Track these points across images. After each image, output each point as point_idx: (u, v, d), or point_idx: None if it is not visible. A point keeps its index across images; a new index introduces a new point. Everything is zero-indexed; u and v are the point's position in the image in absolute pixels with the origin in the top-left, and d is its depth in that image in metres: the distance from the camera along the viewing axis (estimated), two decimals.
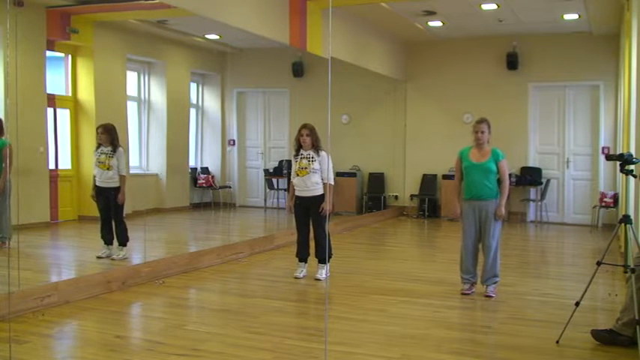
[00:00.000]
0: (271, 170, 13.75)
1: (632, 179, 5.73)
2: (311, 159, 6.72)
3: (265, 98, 14.47)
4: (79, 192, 10.52)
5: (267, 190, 13.84)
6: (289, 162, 8.30)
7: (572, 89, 12.18)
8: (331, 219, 8.91)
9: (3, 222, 7.44)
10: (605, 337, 4.63)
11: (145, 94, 12.71)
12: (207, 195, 14.02)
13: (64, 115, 10.66)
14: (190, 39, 12.68)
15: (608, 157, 4.87)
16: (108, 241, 7.60)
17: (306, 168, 6.71)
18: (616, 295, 6.09)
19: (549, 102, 12.33)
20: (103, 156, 7.43)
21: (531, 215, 12.38)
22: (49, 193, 9.82)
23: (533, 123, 12.39)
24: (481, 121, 6.20)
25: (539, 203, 12.09)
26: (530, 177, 12.06)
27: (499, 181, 6.14)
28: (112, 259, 7.48)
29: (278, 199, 13.88)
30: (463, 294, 6.17)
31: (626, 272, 4.67)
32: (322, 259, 6.67)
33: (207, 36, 12.66)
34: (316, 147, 6.75)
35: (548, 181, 12.10)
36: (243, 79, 14.42)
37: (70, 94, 10.82)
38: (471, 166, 6.13)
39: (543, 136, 12.38)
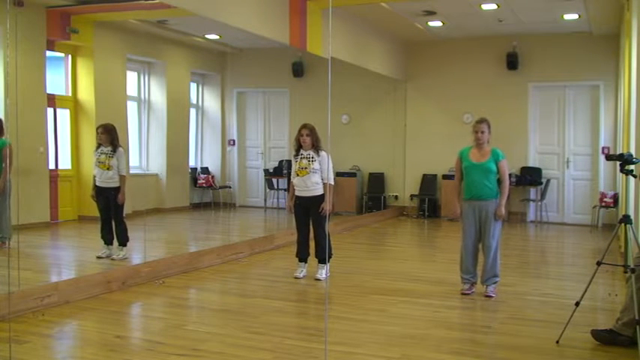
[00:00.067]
0: (271, 170, 13.76)
1: (632, 179, 5.73)
2: (311, 159, 6.72)
3: (265, 98, 14.47)
4: (79, 192, 10.53)
5: (267, 190, 13.84)
6: (289, 162, 8.31)
7: (572, 89, 12.18)
8: (331, 219, 8.92)
9: (3, 222, 7.44)
10: (605, 337, 4.63)
11: (145, 94, 12.71)
12: (207, 195, 14.02)
13: (64, 115, 10.67)
14: (190, 39, 12.68)
15: (608, 157, 4.87)
16: (108, 241, 7.60)
17: (306, 168, 6.71)
18: (616, 295, 6.09)
19: (549, 102, 12.33)
20: (103, 156, 7.43)
21: (531, 215, 12.38)
22: (49, 193, 9.83)
23: (533, 123, 12.39)
24: (481, 121, 6.20)
25: (539, 203, 12.09)
26: (530, 177, 12.06)
27: (499, 181, 6.14)
28: (112, 259, 7.48)
29: (278, 199, 13.89)
30: (463, 294, 6.17)
31: (626, 272, 4.67)
32: (322, 259, 6.67)
33: (207, 36, 12.66)
34: (316, 147, 6.75)
35: (548, 181, 12.10)
36: (243, 79, 14.42)
37: (70, 94, 10.83)
38: (470, 166, 6.13)
39: (543, 136, 12.38)
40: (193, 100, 14.25)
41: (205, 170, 14.22)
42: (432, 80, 13.09)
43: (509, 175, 6.72)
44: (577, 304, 4.75)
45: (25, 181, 8.83)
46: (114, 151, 7.43)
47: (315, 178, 6.70)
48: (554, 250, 10.18)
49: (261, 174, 14.18)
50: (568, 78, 12.07)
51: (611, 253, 6.79)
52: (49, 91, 10.06)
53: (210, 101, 14.61)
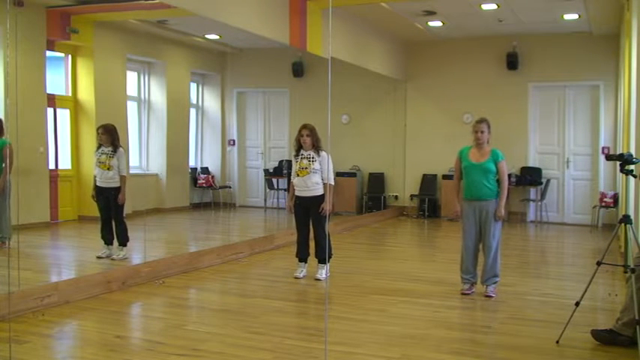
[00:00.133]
0: (271, 170, 13.76)
1: (632, 179, 5.73)
2: (311, 159, 6.72)
3: (265, 98, 14.47)
4: (79, 192, 10.54)
5: (267, 190, 13.84)
6: (289, 162, 8.31)
7: (572, 89, 12.18)
8: (331, 219, 8.92)
9: (3, 222, 7.44)
10: (605, 337, 4.63)
11: (145, 94, 12.71)
12: (207, 195, 14.02)
13: (64, 115, 10.67)
14: (190, 39, 12.68)
15: (608, 157, 4.87)
16: (108, 241, 7.60)
17: (306, 168, 6.71)
18: (616, 295, 6.09)
19: (549, 102, 12.33)
20: (104, 156, 7.44)
21: (531, 215, 12.38)
22: (49, 193, 9.83)
23: (533, 123, 12.39)
24: (481, 120, 6.19)
25: (539, 203, 12.09)
26: (530, 177, 12.06)
27: (499, 182, 6.14)
28: (112, 259, 7.48)
29: (278, 199, 13.89)
30: (463, 294, 6.17)
31: (626, 272, 4.67)
32: (322, 259, 6.67)
33: (207, 36, 12.66)
34: (316, 147, 6.76)
35: (548, 181, 12.10)
36: (243, 79, 14.42)
37: (70, 94, 10.83)
38: (470, 166, 6.13)
39: (543, 136, 12.38)
40: (193, 100, 14.25)
41: (205, 170, 14.22)
42: (432, 80, 13.09)
43: (509, 175, 6.73)
44: (577, 304, 4.75)
45: (25, 181, 8.83)
46: (114, 151, 7.44)
47: (315, 178, 6.70)
48: (554, 250, 10.18)
49: (261, 174, 14.18)
50: (568, 78, 12.06)
51: (611, 253, 6.79)
52: (49, 91, 10.07)
53: (210, 101, 14.61)
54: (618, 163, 4.67)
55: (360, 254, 9.20)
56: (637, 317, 4.22)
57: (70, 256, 8.47)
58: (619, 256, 7.69)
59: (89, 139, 10.18)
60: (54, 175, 10.14)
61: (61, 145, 10.56)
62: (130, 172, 9.16)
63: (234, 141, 14.56)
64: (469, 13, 10.50)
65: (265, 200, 13.98)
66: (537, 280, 7.24)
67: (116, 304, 5.75)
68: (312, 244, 6.91)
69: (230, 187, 14.43)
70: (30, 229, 8.87)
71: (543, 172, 12.19)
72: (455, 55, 12.82)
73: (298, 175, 6.76)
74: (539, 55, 12.20)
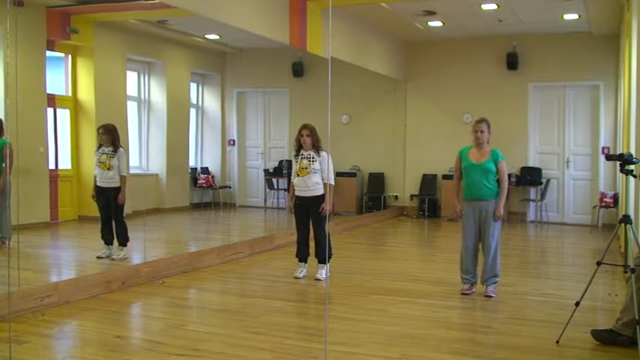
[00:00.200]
0: (271, 170, 13.76)
1: (632, 179, 5.73)
2: (311, 159, 6.72)
3: (265, 98, 14.47)
4: (79, 192, 10.53)
5: (267, 190, 13.84)
6: (289, 162, 8.31)
7: (572, 89, 12.18)
8: (331, 219, 8.92)
9: (3, 222, 7.44)
10: (605, 337, 4.63)
11: (145, 94, 12.71)
12: (207, 195, 14.02)
13: (64, 115, 10.67)
14: (190, 39, 12.68)
15: (608, 157, 4.87)
16: (108, 241, 7.61)
17: (306, 168, 6.71)
18: (616, 295, 6.09)
19: (549, 102, 12.33)
20: (104, 156, 7.44)
21: (531, 215, 12.38)
22: (49, 193, 9.83)
23: (533, 123, 12.39)
24: (481, 120, 6.20)
25: (539, 203, 12.09)
26: (530, 177, 12.06)
27: (499, 182, 6.14)
28: (112, 259, 7.48)
29: (278, 199, 13.89)
30: (463, 294, 6.17)
31: (626, 272, 4.67)
32: (322, 259, 6.67)
33: (207, 36, 12.66)
34: (317, 147, 6.76)
35: (548, 181, 12.11)
36: (243, 79, 14.42)
37: (70, 94, 10.83)
38: (470, 166, 6.13)
39: (543, 136, 12.38)
40: (193, 100, 14.25)
41: (205, 170, 14.22)
42: (432, 80, 13.09)
43: (509, 175, 6.73)
44: (577, 304, 4.75)
45: (25, 181, 8.83)
46: (115, 151, 7.44)
47: (315, 178, 6.70)
48: (554, 250, 10.18)
49: (261, 174, 14.18)
50: (568, 78, 12.07)
51: (611, 253, 6.79)
52: (49, 91, 10.07)
53: (210, 101, 14.61)
54: (618, 163, 4.67)
55: (360, 254, 9.20)
56: (637, 317, 4.22)
57: (70, 256, 8.48)
58: (619, 256, 7.69)
59: (89, 139, 10.18)
60: (54, 175, 10.14)
61: (61, 145, 10.55)
62: (130, 172, 9.15)
63: (234, 141, 14.57)
64: (469, 13, 10.50)
65: (265, 200, 13.98)
66: (537, 280, 7.24)
67: (116, 304, 5.75)
68: (312, 244, 6.91)
69: (230, 187, 14.43)
70: (30, 229, 8.87)
71: (543, 172, 12.19)
72: (455, 55, 12.82)
73: (298, 175, 6.76)
74: (539, 55, 12.20)
